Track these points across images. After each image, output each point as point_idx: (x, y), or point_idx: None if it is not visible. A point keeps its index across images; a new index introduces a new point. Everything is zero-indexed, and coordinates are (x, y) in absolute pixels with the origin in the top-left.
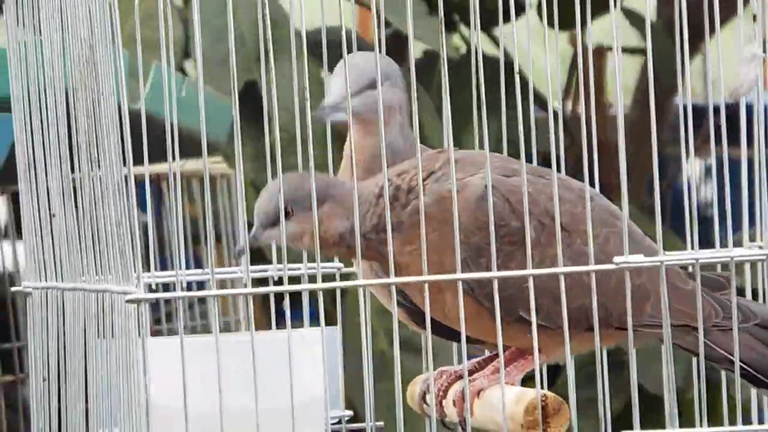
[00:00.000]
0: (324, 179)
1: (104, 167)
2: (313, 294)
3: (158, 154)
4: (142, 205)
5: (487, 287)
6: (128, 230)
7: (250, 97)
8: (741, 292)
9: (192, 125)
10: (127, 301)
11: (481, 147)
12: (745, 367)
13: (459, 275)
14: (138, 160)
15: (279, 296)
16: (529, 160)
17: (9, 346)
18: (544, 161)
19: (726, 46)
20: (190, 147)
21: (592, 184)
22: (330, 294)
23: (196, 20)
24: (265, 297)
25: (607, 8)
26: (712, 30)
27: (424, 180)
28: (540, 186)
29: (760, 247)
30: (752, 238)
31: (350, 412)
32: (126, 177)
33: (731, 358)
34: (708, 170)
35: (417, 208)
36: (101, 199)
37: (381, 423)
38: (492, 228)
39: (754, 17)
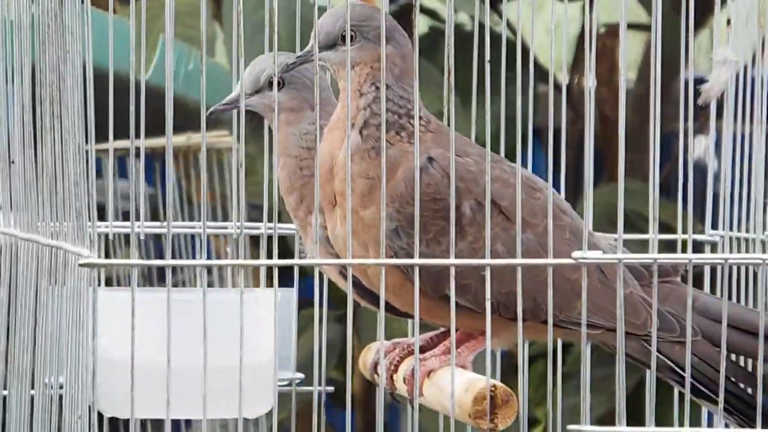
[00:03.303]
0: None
1: (66, 128)
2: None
3: (159, 127)
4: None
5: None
6: (85, 191)
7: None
8: (699, 278)
9: (199, 98)
10: (80, 265)
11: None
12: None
13: (416, 260)
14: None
15: None
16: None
17: None
18: (546, 135)
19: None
20: (196, 120)
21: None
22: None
23: None
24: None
25: None
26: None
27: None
28: (484, 167)
29: (721, 236)
30: None
31: (301, 375)
32: (87, 138)
33: (673, 367)
34: (718, 146)
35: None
36: (61, 156)
37: (331, 388)
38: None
39: (728, 21)
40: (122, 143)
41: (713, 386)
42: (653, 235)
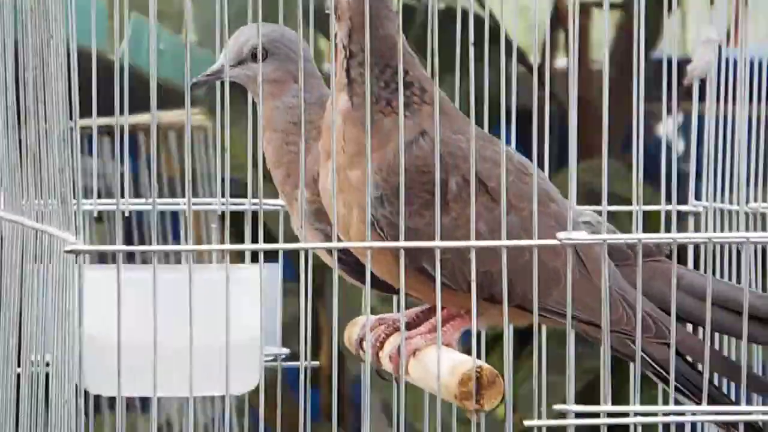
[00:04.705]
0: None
1: (50, 112)
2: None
3: (134, 105)
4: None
5: (394, 228)
6: (70, 174)
7: None
8: (683, 252)
9: (169, 76)
10: (66, 251)
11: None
12: (660, 370)
13: (402, 243)
14: (107, 111)
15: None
16: (505, 116)
17: None
18: (521, 117)
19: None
20: (166, 98)
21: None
22: None
23: None
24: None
25: None
26: None
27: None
28: (477, 146)
29: (705, 207)
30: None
31: (287, 350)
32: (71, 127)
33: (651, 362)
34: (681, 126)
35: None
36: (46, 140)
37: (317, 362)
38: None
39: (712, 1)
40: (96, 121)
41: (690, 385)
42: (637, 207)
